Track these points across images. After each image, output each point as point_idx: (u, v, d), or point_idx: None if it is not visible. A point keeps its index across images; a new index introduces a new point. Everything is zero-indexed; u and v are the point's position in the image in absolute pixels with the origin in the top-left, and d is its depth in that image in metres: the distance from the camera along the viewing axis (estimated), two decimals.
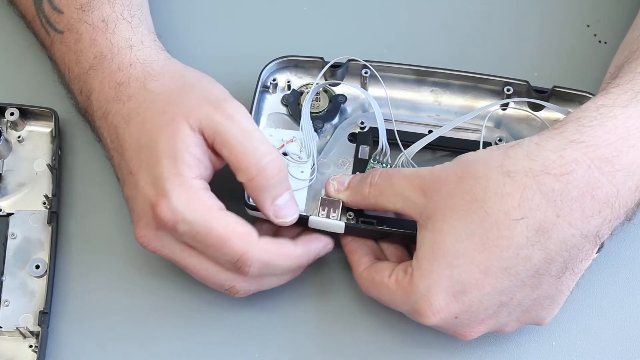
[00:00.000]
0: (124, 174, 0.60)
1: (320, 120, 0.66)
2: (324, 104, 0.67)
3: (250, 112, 0.63)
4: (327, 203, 0.61)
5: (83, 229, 0.66)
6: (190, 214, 0.56)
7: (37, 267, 0.63)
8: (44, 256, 0.64)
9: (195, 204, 0.56)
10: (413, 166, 0.63)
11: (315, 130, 0.65)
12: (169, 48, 0.64)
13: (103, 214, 0.66)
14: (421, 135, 0.64)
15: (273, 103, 0.67)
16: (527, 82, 0.65)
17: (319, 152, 0.65)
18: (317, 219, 0.61)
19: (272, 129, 0.65)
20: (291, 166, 0.63)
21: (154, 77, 0.61)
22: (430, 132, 0.64)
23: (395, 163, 0.64)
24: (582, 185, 0.54)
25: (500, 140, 0.66)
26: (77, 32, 0.63)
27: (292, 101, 0.66)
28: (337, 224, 0.61)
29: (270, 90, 0.67)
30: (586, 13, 0.72)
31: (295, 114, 0.66)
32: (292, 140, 0.64)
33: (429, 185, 0.56)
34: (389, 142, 0.64)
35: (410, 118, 0.67)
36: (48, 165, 0.66)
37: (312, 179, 0.63)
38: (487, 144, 0.65)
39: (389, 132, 0.64)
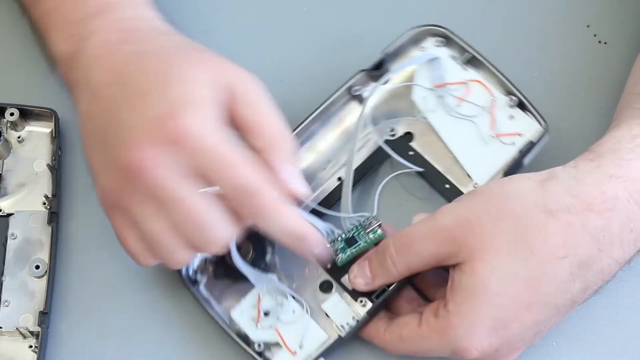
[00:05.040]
0: (118, 100, 0.55)
1: (259, 260, 0.62)
2: (247, 249, 0.62)
3: None
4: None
5: (83, 229, 0.66)
6: (210, 134, 0.54)
7: (37, 267, 0.63)
8: (44, 256, 0.64)
9: (211, 128, 0.54)
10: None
11: (265, 269, 0.62)
12: None
13: (103, 214, 0.66)
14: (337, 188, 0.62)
15: None
16: (364, 70, 0.65)
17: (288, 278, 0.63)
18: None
19: (248, 317, 0.60)
20: (284, 315, 0.60)
21: (164, 31, 0.60)
22: (340, 179, 0.64)
23: (361, 224, 0.62)
24: (622, 219, 0.55)
25: (392, 130, 0.66)
26: None
27: (222, 272, 0.62)
28: (360, 311, 0.60)
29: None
30: (586, 13, 0.72)
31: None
32: (278, 305, 0.61)
33: (458, 232, 0.55)
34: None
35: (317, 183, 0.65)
36: (48, 165, 0.66)
37: (306, 309, 0.60)
38: (397, 147, 0.64)
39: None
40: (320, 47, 0.72)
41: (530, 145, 0.63)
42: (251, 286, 0.61)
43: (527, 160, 0.63)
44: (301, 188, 0.57)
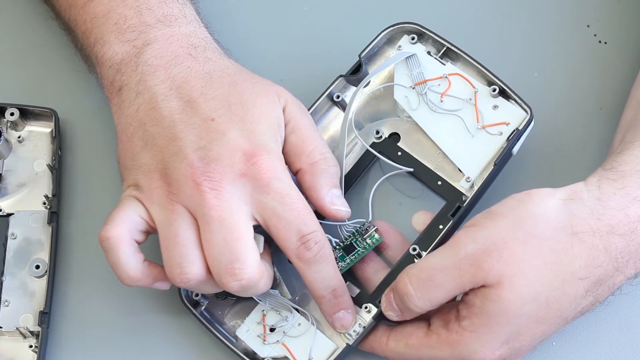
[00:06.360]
0: (182, 116, 0.58)
1: None
2: None
3: None
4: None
5: (83, 229, 0.66)
6: (287, 176, 0.57)
7: (37, 267, 0.63)
8: (44, 256, 0.64)
9: (287, 171, 0.58)
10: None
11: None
12: None
13: (103, 214, 0.66)
14: None
15: None
16: (343, 75, 0.65)
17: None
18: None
19: (254, 334, 0.61)
20: (290, 329, 0.60)
21: (220, 53, 0.62)
22: None
23: (358, 230, 0.62)
24: (639, 239, 0.56)
25: (378, 132, 0.65)
26: None
27: (223, 293, 0.61)
28: (365, 317, 0.60)
29: None
30: (586, 13, 0.72)
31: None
32: (285, 322, 0.61)
33: (485, 259, 0.54)
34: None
35: None
36: (48, 165, 0.66)
37: (311, 321, 0.60)
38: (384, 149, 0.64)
39: None
40: (298, 55, 0.71)
41: (517, 133, 0.62)
42: (254, 304, 0.61)
43: (515, 149, 0.62)
44: (344, 210, 0.60)
